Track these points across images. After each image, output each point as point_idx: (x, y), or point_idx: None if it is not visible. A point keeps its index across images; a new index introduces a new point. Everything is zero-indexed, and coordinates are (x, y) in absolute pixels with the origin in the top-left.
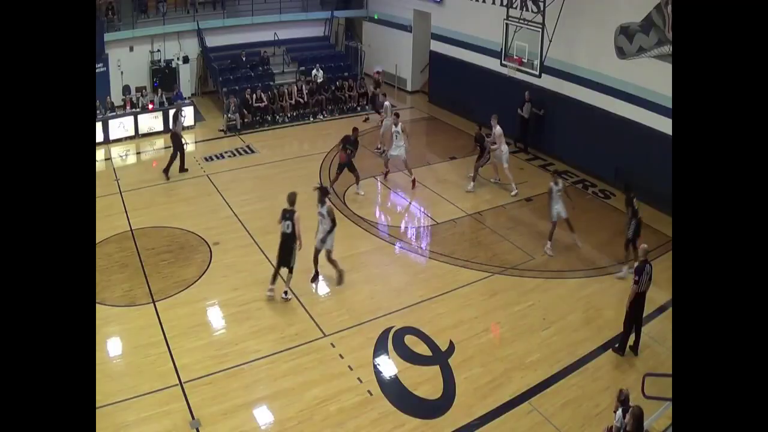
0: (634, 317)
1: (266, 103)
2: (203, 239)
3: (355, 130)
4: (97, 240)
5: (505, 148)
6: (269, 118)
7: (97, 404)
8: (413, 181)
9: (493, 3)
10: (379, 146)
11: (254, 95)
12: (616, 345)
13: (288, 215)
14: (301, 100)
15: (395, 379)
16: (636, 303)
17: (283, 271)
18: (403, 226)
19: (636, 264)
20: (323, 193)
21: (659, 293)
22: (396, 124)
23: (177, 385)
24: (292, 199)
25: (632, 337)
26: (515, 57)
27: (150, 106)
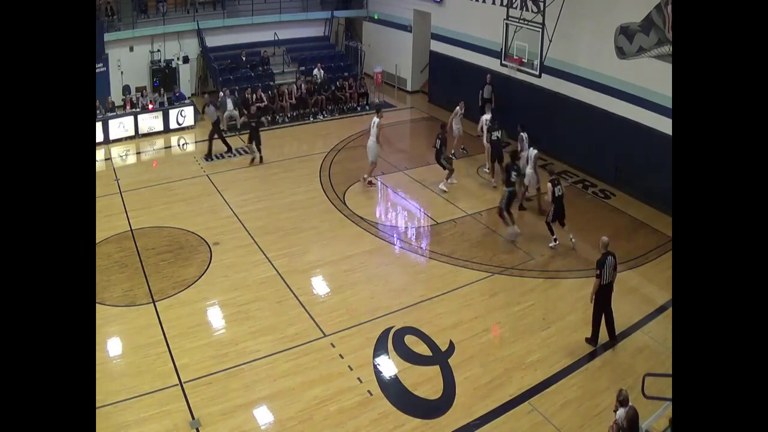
0: (601, 308)
1: (266, 102)
2: (203, 239)
3: (442, 126)
4: (97, 240)
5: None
6: (269, 118)
7: (97, 404)
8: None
9: (493, 3)
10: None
11: (254, 95)
12: (588, 337)
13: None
14: (301, 103)
15: (395, 379)
16: (600, 295)
17: None
18: (403, 226)
19: (598, 257)
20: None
21: (659, 293)
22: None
23: (177, 385)
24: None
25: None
26: (515, 57)
27: (150, 106)
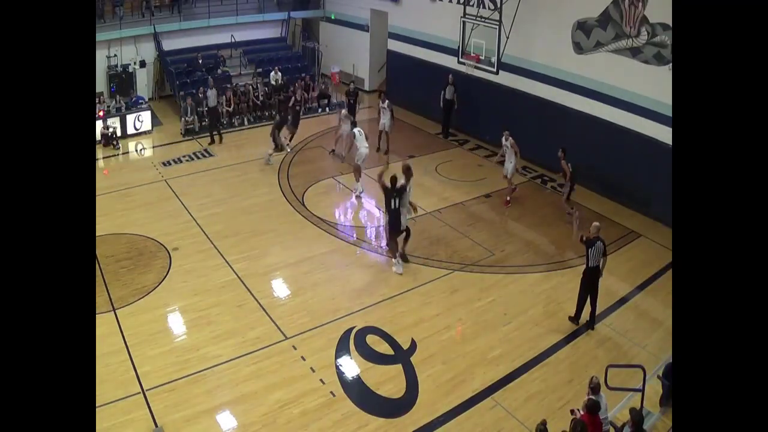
0: (586, 290)
1: (234, 106)
2: (162, 245)
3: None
4: None
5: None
6: (225, 122)
7: None
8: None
9: (450, 1)
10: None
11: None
12: (571, 316)
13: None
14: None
15: (358, 379)
16: (586, 276)
17: None
18: (362, 225)
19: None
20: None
21: (620, 285)
22: (506, 139)
23: (139, 393)
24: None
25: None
26: (473, 54)
27: (101, 114)
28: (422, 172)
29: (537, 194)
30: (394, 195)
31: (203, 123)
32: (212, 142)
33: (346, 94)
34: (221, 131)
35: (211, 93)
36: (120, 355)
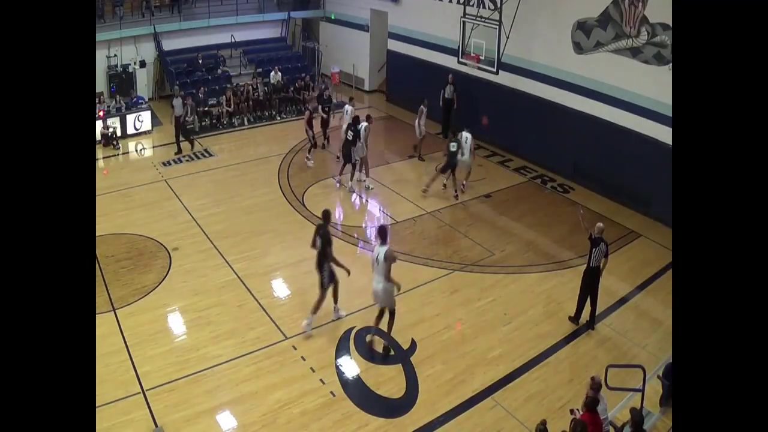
0: (586, 290)
1: (234, 106)
2: (162, 245)
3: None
4: None
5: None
6: (225, 122)
7: None
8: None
9: (450, 1)
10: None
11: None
12: (571, 316)
13: None
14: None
15: (358, 379)
16: (586, 276)
17: None
18: (362, 225)
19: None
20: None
21: (620, 285)
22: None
23: (139, 393)
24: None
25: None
26: (473, 54)
27: (101, 113)
28: (422, 172)
29: (537, 194)
30: (319, 233)
31: (203, 123)
32: (178, 151)
33: (319, 101)
34: (191, 139)
35: (177, 102)
36: (120, 355)
